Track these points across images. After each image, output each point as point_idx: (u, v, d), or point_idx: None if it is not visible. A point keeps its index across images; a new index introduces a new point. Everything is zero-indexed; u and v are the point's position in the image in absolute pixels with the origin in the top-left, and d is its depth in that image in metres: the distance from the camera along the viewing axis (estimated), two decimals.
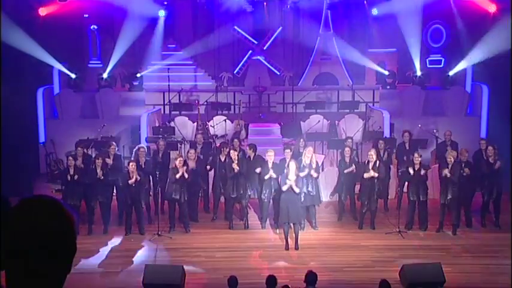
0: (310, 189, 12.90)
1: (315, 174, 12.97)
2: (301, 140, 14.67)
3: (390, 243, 12.41)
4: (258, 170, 13.25)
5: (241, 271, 10.51)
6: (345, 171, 13.65)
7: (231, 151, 13.35)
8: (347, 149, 13.87)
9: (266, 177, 13.02)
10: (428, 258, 11.39)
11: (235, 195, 13.25)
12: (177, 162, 12.94)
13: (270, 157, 13.17)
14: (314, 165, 12.98)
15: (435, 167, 14.31)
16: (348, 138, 14.97)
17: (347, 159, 13.79)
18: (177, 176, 12.77)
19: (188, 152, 14.09)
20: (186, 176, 12.85)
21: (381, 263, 11.32)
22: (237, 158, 13.20)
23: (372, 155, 13.09)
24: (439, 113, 18.61)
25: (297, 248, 12.08)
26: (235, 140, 14.64)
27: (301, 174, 12.56)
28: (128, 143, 17.09)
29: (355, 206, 13.94)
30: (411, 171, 12.82)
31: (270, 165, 13.10)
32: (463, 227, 13.22)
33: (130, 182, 12.63)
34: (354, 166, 13.56)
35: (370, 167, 13.00)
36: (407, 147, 14.77)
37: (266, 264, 11.44)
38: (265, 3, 21.02)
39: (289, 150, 13.63)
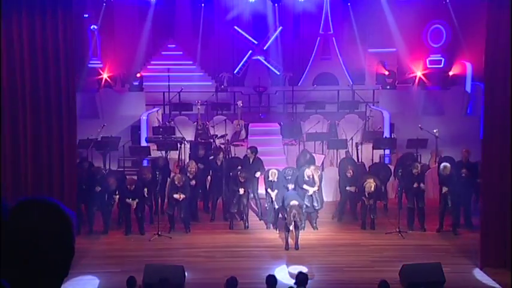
0: (315, 204, 12.90)
1: (315, 188, 12.96)
2: (305, 152, 14.62)
3: (390, 243, 12.41)
4: (257, 175, 13.21)
5: (241, 271, 10.51)
6: (347, 188, 13.69)
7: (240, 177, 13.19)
8: (350, 171, 13.68)
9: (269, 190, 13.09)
10: (428, 258, 11.40)
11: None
12: (175, 180, 12.87)
13: (273, 178, 13.06)
14: (317, 183, 12.90)
15: (435, 167, 14.31)
16: (348, 163, 14.53)
17: (349, 175, 13.69)
18: (175, 196, 12.84)
19: (188, 165, 13.88)
20: (181, 198, 12.87)
21: (381, 263, 11.32)
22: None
23: (371, 185, 12.81)
24: (439, 113, 18.61)
25: (297, 248, 12.07)
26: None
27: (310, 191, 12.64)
28: (128, 143, 17.08)
29: (355, 206, 13.93)
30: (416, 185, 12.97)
31: (271, 182, 13.09)
32: (463, 227, 13.22)
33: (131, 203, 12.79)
34: (355, 188, 13.56)
35: (367, 194, 12.92)
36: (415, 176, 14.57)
37: (266, 264, 11.43)
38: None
39: (313, 167, 13.26)
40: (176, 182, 12.85)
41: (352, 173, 13.62)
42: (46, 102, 10.86)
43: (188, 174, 13.39)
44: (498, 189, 11.00)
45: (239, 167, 13.57)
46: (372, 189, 12.83)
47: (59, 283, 1.90)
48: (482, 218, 11.46)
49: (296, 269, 10.37)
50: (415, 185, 12.95)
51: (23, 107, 10.80)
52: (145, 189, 13.05)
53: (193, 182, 13.38)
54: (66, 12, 10.86)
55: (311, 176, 12.82)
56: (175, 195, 12.81)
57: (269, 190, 13.13)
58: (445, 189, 12.76)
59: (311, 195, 12.85)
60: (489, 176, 11.12)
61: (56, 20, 10.71)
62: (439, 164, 13.97)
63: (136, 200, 12.81)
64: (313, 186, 12.83)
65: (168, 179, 13.94)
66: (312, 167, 12.77)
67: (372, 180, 12.94)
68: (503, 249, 11.02)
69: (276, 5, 20.44)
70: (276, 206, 13.04)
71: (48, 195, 10.42)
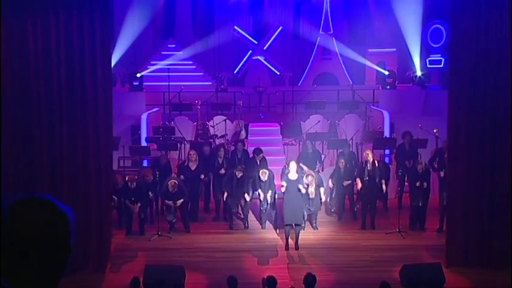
0: (310, 207, 12.82)
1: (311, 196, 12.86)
2: (308, 142, 14.68)
3: (390, 243, 12.41)
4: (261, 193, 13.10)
5: (241, 271, 10.52)
6: (344, 184, 13.68)
7: (237, 171, 13.17)
8: (342, 160, 13.78)
9: (262, 196, 13.03)
10: (428, 258, 11.40)
11: (237, 201, 13.32)
12: (169, 187, 12.79)
13: (264, 177, 12.99)
14: (313, 193, 12.77)
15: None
16: (345, 147, 14.85)
17: (342, 170, 13.74)
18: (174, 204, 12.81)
19: (189, 154, 14.05)
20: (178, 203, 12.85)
21: (381, 263, 11.32)
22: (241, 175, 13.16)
23: (368, 154, 13.15)
24: (439, 113, 18.58)
25: (297, 248, 12.07)
26: (239, 144, 14.65)
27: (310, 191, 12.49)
28: (128, 143, 17.07)
29: (355, 205, 13.93)
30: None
31: (262, 183, 13.03)
32: None
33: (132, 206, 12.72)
34: (350, 181, 13.60)
35: (369, 167, 13.01)
36: (407, 149, 14.78)
37: (266, 264, 11.44)
38: None
39: (293, 164, 13.34)
40: (170, 189, 12.78)
41: (344, 163, 13.66)
42: (82, 103, 10.79)
43: (189, 164, 13.42)
44: (462, 190, 11.11)
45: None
46: (370, 158, 12.97)
47: (56, 281, 1.90)
48: (447, 218, 11.56)
49: (297, 278, 10.35)
50: (418, 184, 12.89)
51: (59, 107, 10.73)
52: (150, 193, 13.05)
53: (193, 167, 13.44)
54: (104, 12, 10.74)
55: (307, 186, 12.71)
56: (169, 202, 12.81)
57: (259, 191, 13.08)
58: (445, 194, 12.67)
59: (308, 199, 12.77)
60: (454, 176, 11.21)
61: (93, 19, 10.61)
62: (438, 161, 13.95)
63: (139, 204, 12.78)
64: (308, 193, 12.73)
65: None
66: (310, 178, 12.68)
67: (368, 152, 13.21)
68: (468, 249, 11.16)
69: None
70: (265, 206, 13.03)
71: (84, 197, 10.50)
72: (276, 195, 13.18)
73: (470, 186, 11.03)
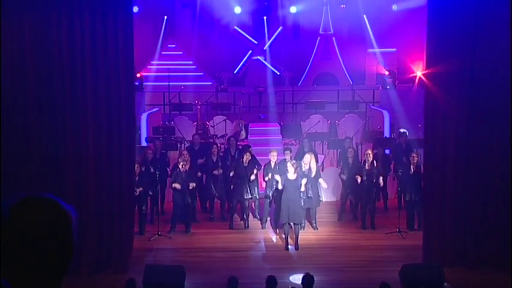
0: (309, 195, 12.84)
1: (323, 184, 12.93)
2: (306, 140, 14.75)
3: (390, 243, 12.41)
4: (278, 178, 12.99)
5: (241, 271, 10.52)
6: (341, 176, 13.77)
7: (245, 155, 13.30)
8: (350, 149, 13.88)
9: (266, 178, 13.03)
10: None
11: (249, 196, 13.31)
12: (180, 167, 12.94)
13: (273, 157, 13.17)
14: (313, 173, 12.88)
15: None
16: (347, 139, 15.07)
17: (350, 160, 13.80)
18: (191, 186, 12.92)
19: (181, 153, 14.04)
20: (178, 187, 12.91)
21: (381, 263, 11.33)
22: (248, 160, 13.20)
23: (369, 153, 13.18)
24: None
25: (297, 248, 12.07)
26: (232, 138, 14.73)
27: (303, 183, 12.42)
28: None
29: (356, 206, 13.94)
30: (412, 169, 12.87)
31: (272, 165, 13.10)
32: None
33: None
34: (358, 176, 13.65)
35: (367, 167, 13.04)
36: (405, 148, 14.81)
37: (266, 264, 11.44)
38: (265, 17, 21.06)
39: (288, 152, 13.56)
40: (180, 167, 12.86)
41: (352, 153, 13.81)
42: (106, 103, 10.79)
43: (183, 163, 13.45)
44: (439, 190, 11.15)
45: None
46: (370, 158, 13.00)
47: (58, 281, 1.90)
48: (424, 218, 11.62)
49: (297, 278, 10.38)
50: (412, 171, 12.84)
51: (84, 108, 10.74)
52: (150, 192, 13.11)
53: (186, 167, 13.40)
54: (127, 14, 10.78)
55: (308, 164, 12.77)
56: (175, 185, 12.81)
57: (269, 176, 13.06)
58: None
59: (305, 186, 12.71)
60: (431, 177, 11.27)
61: (116, 21, 10.62)
62: None
63: (141, 188, 12.71)
64: (308, 175, 12.71)
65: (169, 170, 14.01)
66: (312, 154, 12.86)
67: (369, 151, 13.31)
68: (444, 249, 11.23)
69: (265, 17, 20.57)
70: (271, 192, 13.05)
71: (108, 197, 10.53)
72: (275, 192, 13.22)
73: (447, 187, 11.09)
